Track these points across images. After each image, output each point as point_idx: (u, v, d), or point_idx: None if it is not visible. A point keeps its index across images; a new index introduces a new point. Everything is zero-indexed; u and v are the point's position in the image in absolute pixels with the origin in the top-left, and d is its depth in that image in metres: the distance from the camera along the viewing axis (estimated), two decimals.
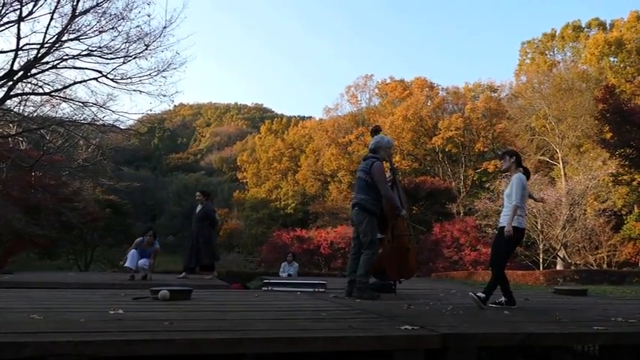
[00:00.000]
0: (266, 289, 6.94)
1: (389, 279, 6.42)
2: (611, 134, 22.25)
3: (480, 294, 4.88)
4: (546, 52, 40.56)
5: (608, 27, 37.67)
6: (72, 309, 3.95)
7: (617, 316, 4.19)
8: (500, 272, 5.19)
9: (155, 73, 16.05)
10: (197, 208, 10.13)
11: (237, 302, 4.96)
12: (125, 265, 8.93)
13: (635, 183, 26.50)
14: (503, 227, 5.08)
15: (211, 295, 5.70)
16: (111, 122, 16.79)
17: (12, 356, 2.29)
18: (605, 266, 24.88)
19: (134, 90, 16.18)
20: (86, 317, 3.31)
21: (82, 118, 16.78)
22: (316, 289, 6.68)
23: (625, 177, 25.88)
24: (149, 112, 18.43)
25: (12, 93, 15.65)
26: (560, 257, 23.91)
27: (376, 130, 6.65)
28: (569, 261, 24.03)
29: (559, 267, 23.25)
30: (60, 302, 4.52)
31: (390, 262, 6.20)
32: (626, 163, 22.30)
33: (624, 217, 27.91)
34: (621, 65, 33.98)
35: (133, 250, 8.94)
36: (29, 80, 16.04)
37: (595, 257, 25.30)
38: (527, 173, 5.36)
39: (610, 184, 26.54)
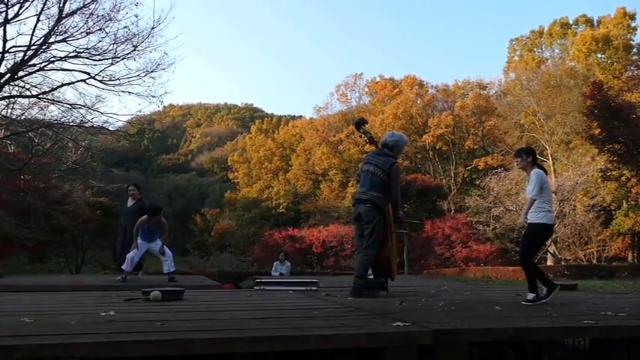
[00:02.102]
0: (258, 288, 6.92)
1: (389, 277, 6.29)
2: (599, 130, 22.40)
3: (529, 296, 5.00)
4: (534, 49, 40.80)
5: (596, 24, 37.95)
6: (62, 311, 3.92)
7: (606, 310, 4.23)
8: (530, 265, 5.29)
9: (144, 74, 16.01)
10: (128, 201, 9.31)
11: (230, 302, 4.95)
12: (123, 267, 8.70)
13: (623, 178, 26.72)
14: (532, 224, 5.16)
15: (203, 295, 5.68)
16: (100, 124, 16.72)
17: (2, 359, 2.27)
18: (594, 261, 25.08)
19: (123, 91, 16.14)
20: (77, 319, 3.29)
21: (70, 120, 16.68)
22: (308, 288, 6.66)
23: (614, 172, 26.09)
24: (138, 114, 18.30)
25: None
26: (550, 253, 24.09)
27: (362, 123, 6.56)
28: (560, 256, 24.22)
29: (549, 262, 23.42)
30: (50, 305, 4.49)
31: (393, 260, 6.18)
32: (615, 158, 22.48)
33: (613, 213, 28.16)
34: (609, 61, 34.28)
35: (131, 254, 8.71)
36: (16, 83, 15.94)
37: (585, 252, 25.51)
38: (543, 170, 5.39)
39: (599, 180, 26.77)
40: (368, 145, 6.44)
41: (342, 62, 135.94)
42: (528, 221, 5.18)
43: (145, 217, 8.77)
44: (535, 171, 5.22)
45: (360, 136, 6.62)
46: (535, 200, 5.10)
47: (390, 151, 5.96)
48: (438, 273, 19.81)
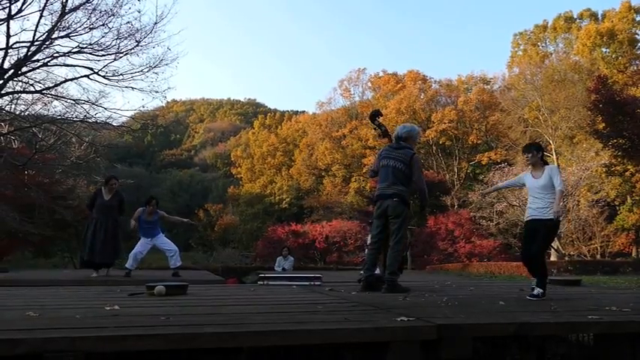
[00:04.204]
0: (262, 283, 6.93)
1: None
2: (603, 125, 22.33)
3: (536, 291, 4.99)
4: (538, 43, 40.63)
5: (600, 18, 37.78)
6: (67, 306, 3.93)
7: (610, 305, 4.21)
8: (543, 261, 5.42)
9: (147, 70, 16.06)
10: (104, 194, 8.61)
11: (233, 297, 4.95)
12: (127, 264, 8.71)
13: (627, 173, 26.63)
14: (541, 220, 5.14)
15: (207, 290, 5.69)
16: (103, 119, 16.81)
17: (6, 354, 2.28)
18: (598, 257, 25.05)
19: (126, 87, 16.19)
20: (82, 313, 3.30)
21: (74, 116, 16.76)
22: (312, 283, 6.67)
23: (618, 167, 26.02)
24: (142, 109, 18.51)
25: (3, 91, 15.58)
26: (554, 248, 24.04)
27: (377, 114, 6.46)
28: (563, 252, 24.18)
29: (553, 258, 23.37)
30: (55, 299, 4.50)
31: None
32: (619, 153, 22.40)
33: (617, 208, 28.08)
34: (613, 56, 34.09)
35: (134, 251, 8.75)
36: (20, 79, 16.00)
37: (589, 248, 25.47)
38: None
39: (603, 175, 26.67)
40: (381, 138, 6.35)
41: (344, 57, 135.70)
42: (541, 217, 5.16)
43: (140, 209, 8.81)
44: (553, 166, 5.41)
45: (375, 129, 6.51)
46: (563, 192, 5.17)
47: (405, 143, 5.85)
48: (442, 268, 19.82)
